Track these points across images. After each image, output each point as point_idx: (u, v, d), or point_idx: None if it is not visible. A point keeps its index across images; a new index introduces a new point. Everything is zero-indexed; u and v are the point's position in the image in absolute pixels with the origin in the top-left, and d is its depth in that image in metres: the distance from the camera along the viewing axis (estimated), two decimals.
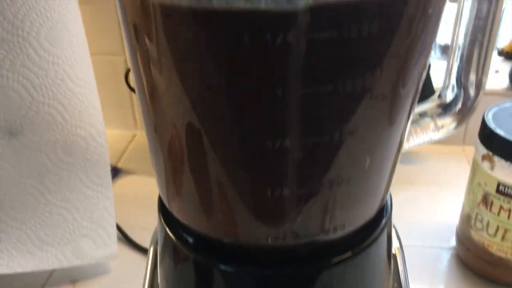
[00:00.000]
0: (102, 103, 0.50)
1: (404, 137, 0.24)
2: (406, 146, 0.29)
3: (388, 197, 0.29)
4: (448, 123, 0.29)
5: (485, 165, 0.46)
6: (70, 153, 0.49)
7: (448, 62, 0.30)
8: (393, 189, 0.27)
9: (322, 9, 0.18)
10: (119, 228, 0.55)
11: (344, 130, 0.21)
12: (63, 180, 0.49)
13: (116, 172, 0.65)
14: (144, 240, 0.55)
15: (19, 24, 0.44)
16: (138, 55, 0.21)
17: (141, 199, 0.62)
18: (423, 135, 0.29)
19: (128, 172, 0.66)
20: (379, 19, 0.18)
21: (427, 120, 0.28)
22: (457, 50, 0.29)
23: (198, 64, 0.19)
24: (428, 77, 0.61)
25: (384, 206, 0.28)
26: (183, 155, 0.23)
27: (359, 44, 0.19)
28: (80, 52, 0.47)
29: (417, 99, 0.24)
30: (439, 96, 0.30)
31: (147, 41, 0.20)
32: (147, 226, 0.57)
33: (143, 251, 0.54)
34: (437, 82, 0.60)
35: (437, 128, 0.28)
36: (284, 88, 0.19)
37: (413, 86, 0.22)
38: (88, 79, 0.48)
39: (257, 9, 0.17)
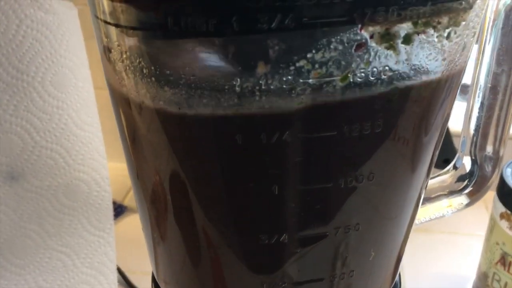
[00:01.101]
0: (109, 136, 0.49)
1: (411, 227, 0.22)
2: (416, 222, 0.27)
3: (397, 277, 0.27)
4: (461, 200, 0.27)
5: (504, 224, 0.44)
6: (72, 197, 0.48)
7: (464, 133, 0.28)
8: None
9: (319, 109, 0.16)
10: (120, 272, 0.54)
11: (347, 225, 0.19)
12: (63, 225, 0.48)
13: (121, 210, 0.64)
14: (146, 285, 0.53)
15: (24, 69, 0.43)
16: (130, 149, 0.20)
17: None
18: (435, 211, 0.27)
19: (133, 210, 0.64)
20: (381, 116, 0.17)
21: (440, 197, 0.26)
22: (472, 121, 0.27)
23: (193, 161, 0.18)
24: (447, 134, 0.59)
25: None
26: (174, 240, 0.21)
27: (360, 141, 0.17)
28: (86, 96, 0.47)
29: (427, 183, 0.23)
30: (454, 167, 0.29)
31: (138, 135, 0.19)
32: (149, 270, 0.55)
33: None
34: (454, 125, 0.58)
35: (450, 205, 0.26)
36: (280, 185, 0.18)
37: (421, 177, 0.20)
38: (93, 123, 0.47)
39: (250, 112, 0.16)
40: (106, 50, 0.17)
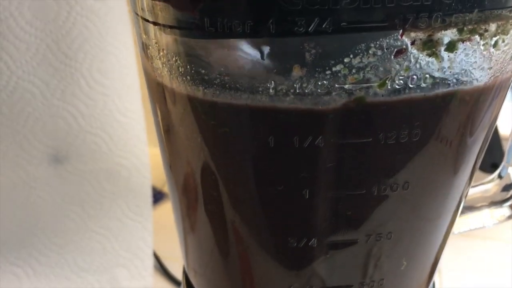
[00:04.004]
0: (151, 122, 0.49)
1: (447, 237, 0.22)
2: (454, 231, 0.26)
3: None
4: (504, 211, 0.26)
5: None
6: (113, 182, 0.49)
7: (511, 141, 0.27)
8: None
9: (354, 114, 0.16)
10: (157, 258, 0.55)
11: (379, 233, 0.19)
12: (103, 208, 0.49)
13: (160, 196, 0.65)
14: (180, 272, 0.54)
15: (73, 55, 0.44)
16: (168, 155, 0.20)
17: None
18: (475, 221, 0.26)
19: None
20: (419, 124, 0.16)
21: (481, 207, 0.25)
22: None
23: (225, 158, 0.18)
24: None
25: None
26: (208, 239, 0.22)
27: (396, 150, 0.17)
28: (130, 83, 0.47)
29: (467, 192, 0.22)
30: (499, 176, 0.27)
31: (172, 126, 0.19)
32: None
33: (179, 284, 0.53)
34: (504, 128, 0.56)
35: (492, 216, 0.25)
36: (311, 190, 0.17)
37: (460, 188, 0.20)
38: (136, 110, 0.48)
39: (283, 115, 0.16)
40: (144, 46, 0.18)
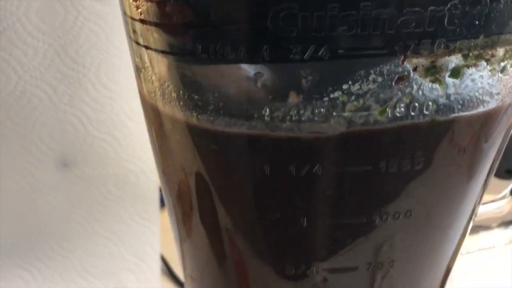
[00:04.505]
0: None
1: (454, 261, 0.21)
2: (462, 252, 0.25)
3: None
4: None
5: None
6: (120, 186, 0.49)
7: None
8: None
9: (354, 142, 0.15)
10: (164, 261, 0.54)
11: (380, 261, 0.18)
12: (111, 213, 0.49)
13: None
14: None
15: (80, 60, 0.44)
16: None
17: None
18: (485, 241, 0.25)
19: None
20: (422, 151, 0.16)
21: (492, 227, 0.24)
22: None
23: (221, 183, 0.17)
24: None
25: None
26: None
27: (398, 178, 0.16)
28: None
29: (475, 214, 0.21)
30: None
31: (165, 144, 0.18)
32: None
33: None
34: None
35: (503, 236, 0.24)
36: (309, 218, 0.17)
37: (466, 214, 0.19)
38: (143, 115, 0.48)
39: (279, 142, 0.15)
40: (138, 69, 0.17)
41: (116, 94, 0.46)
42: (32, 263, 0.49)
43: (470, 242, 0.25)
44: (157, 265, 0.51)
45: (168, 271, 0.55)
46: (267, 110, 0.15)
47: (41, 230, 0.48)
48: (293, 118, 0.15)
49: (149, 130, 0.20)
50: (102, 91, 0.45)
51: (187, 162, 0.18)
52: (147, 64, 0.16)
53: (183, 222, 0.22)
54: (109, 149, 0.47)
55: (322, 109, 0.15)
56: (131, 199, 0.49)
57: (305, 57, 0.14)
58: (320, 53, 0.14)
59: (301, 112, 0.15)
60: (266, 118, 0.15)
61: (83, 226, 0.49)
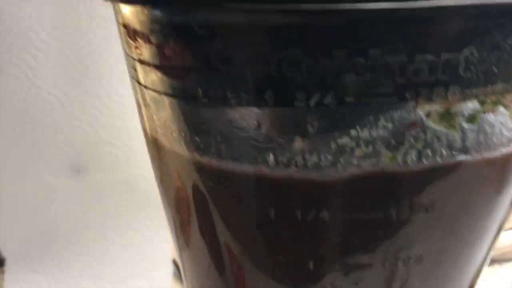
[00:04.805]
0: None
1: None
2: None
3: None
4: None
5: None
6: (132, 192, 0.49)
7: None
8: None
9: (362, 188, 0.14)
10: (176, 265, 0.54)
11: None
12: (122, 218, 0.49)
13: None
14: None
15: (93, 66, 0.44)
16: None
17: None
18: (505, 276, 0.24)
19: None
20: (435, 198, 0.15)
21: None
22: None
23: (225, 222, 0.17)
24: None
25: None
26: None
27: (409, 225, 0.15)
28: None
29: (491, 251, 0.20)
30: None
31: (168, 180, 0.18)
32: None
33: None
34: None
35: None
36: (316, 262, 0.16)
37: (480, 257, 0.18)
38: None
39: (284, 187, 0.14)
40: (139, 106, 0.16)
41: (127, 100, 0.46)
42: (45, 268, 0.49)
43: (488, 274, 0.24)
44: (169, 270, 0.51)
45: (180, 276, 0.55)
46: (271, 155, 0.14)
47: (54, 235, 0.48)
48: (298, 164, 0.14)
49: (152, 160, 0.19)
50: (115, 97, 0.45)
51: (188, 194, 0.17)
52: (148, 102, 0.16)
53: (185, 245, 0.21)
54: (120, 154, 0.47)
55: (328, 156, 0.14)
56: (143, 204, 0.49)
57: (310, 103, 0.13)
58: (326, 99, 0.13)
59: (307, 157, 0.14)
60: (270, 163, 0.14)
61: (95, 231, 0.49)
